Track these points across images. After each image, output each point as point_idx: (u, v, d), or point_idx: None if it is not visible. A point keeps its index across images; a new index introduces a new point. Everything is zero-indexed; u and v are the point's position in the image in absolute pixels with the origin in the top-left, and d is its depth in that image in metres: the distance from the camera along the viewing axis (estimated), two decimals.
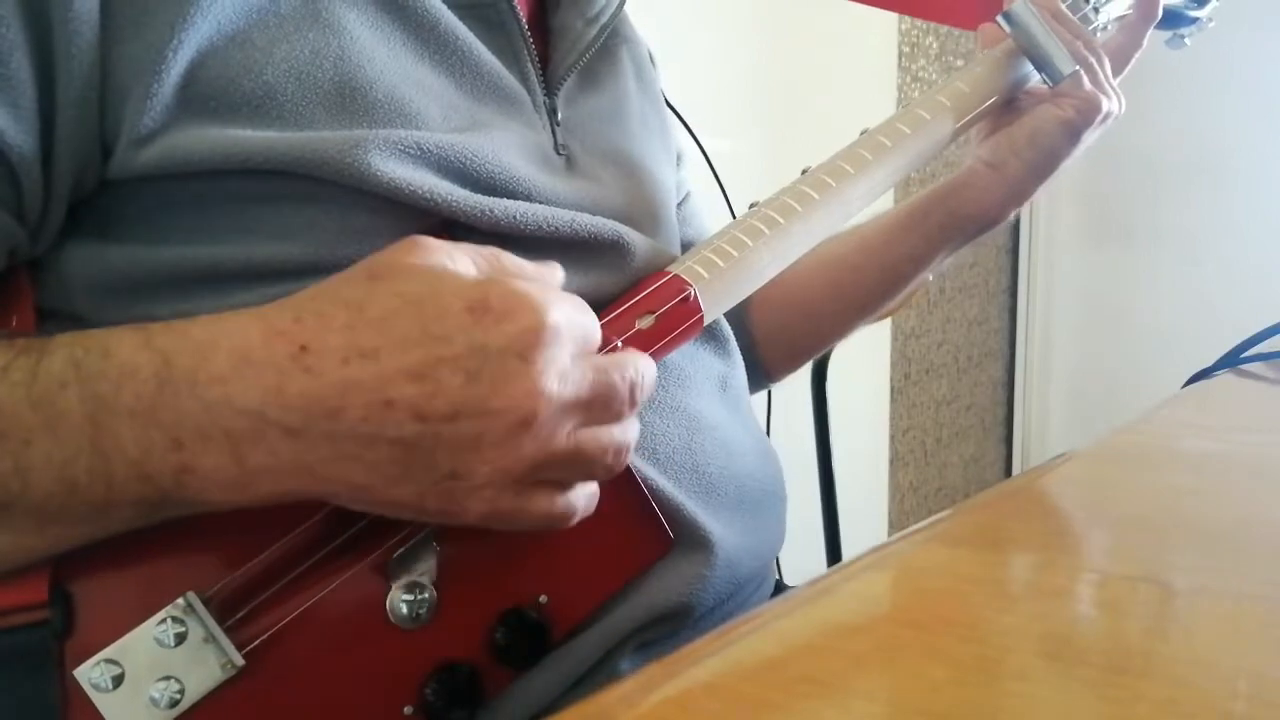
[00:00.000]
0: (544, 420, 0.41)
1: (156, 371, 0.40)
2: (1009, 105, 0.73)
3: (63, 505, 0.40)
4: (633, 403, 0.46)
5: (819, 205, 0.63)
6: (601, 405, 0.44)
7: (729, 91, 1.72)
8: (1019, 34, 0.70)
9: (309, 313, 0.41)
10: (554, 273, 0.48)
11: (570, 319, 0.43)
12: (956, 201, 0.74)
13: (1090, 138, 0.72)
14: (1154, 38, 0.80)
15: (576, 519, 0.46)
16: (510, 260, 0.46)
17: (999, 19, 0.71)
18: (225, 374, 0.40)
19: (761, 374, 0.84)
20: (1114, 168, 2.55)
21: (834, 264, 0.80)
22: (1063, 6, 0.73)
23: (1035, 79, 0.72)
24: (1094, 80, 0.71)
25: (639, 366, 0.46)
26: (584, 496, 0.46)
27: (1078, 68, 0.70)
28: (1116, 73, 0.75)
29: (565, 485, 0.45)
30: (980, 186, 0.73)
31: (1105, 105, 0.71)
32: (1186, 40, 0.88)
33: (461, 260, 0.44)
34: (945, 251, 0.77)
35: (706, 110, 1.62)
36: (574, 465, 0.44)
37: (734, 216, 0.64)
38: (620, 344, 0.52)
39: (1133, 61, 0.77)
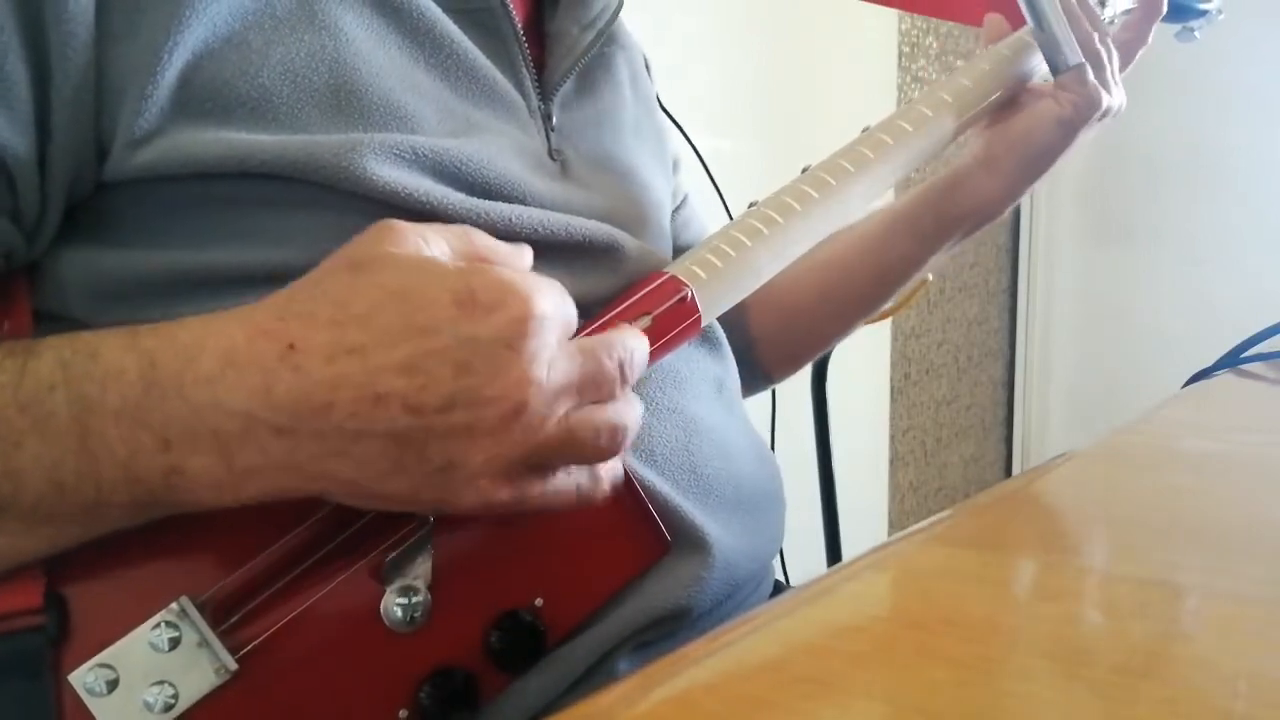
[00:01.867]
0: (535, 407, 0.41)
1: (143, 373, 0.40)
2: (1009, 102, 0.73)
3: (53, 507, 0.40)
4: (624, 380, 0.45)
5: (819, 204, 0.63)
6: (593, 387, 0.44)
7: (729, 91, 1.72)
8: (1034, 17, 0.69)
9: (294, 311, 0.41)
10: (524, 254, 0.48)
11: (555, 305, 0.43)
12: (949, 201, 0.74)
13: (1088, 134, 0.72)
14: (1163, 31, 0.80)
15: (576, 501, 0.46)
16: (481, 239, 0.46)
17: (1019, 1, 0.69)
18: (212, 375, 0.40)
19: (761, 375, 0.84)
20: (1114, 168, 2.55)
21: (828, 266, 0.80)
22: None
23: (1039, 75, 0.72)
24: (1099, 75, 0.70)
25: (627, 344, 0.46)
26: (583, 478, 0.46)
27: (1083, 61, 0.69)
28: (1121, 68, 0.74)
29: (562, 470, 0.45)
30: (973, 185, 0.73)
31: (1105, 102, 0.70)
32: (1196, 33, 0.87)
33: (436, 243, 0.44)
34: (941, 250, 0.77)
35: (706, 110, 1.64)
36: (569, 449, 0.44)
37: (730, 218, 0.64)
38: None
39: (1137, 57, 0.76)
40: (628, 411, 0.46)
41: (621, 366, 0.45)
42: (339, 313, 0.41)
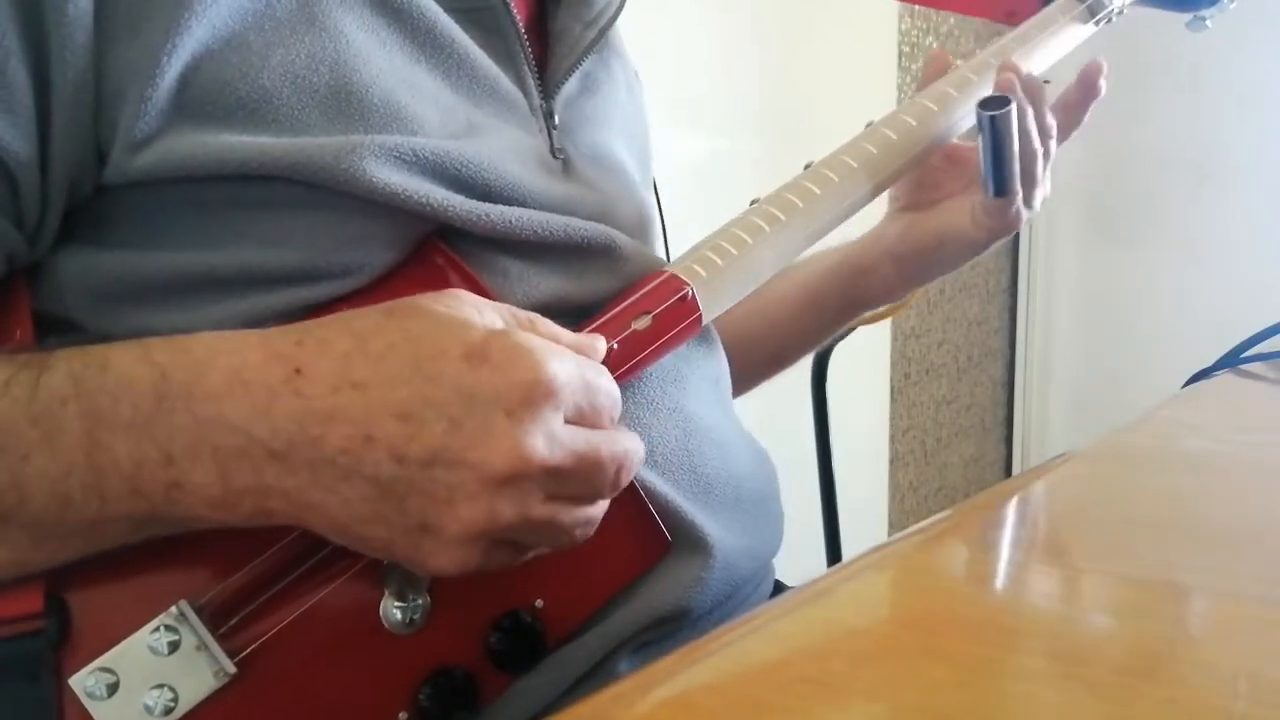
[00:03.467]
0: (521, 482, 0.40)
1: (154, 385, 0.40)
2: (934, 189, 0.73)
3: (57, 520, 0.40)
4: (614, 485, 0.44)
5: (822, 201, 0.62)
6: (582, 479, 0.43)
7: (729, 91, 1.72)
8: (995, 136, 0.65)
9: (313, 337, 0.42)
10: (595, 343, 0.47)
11: (574, 381, 0.42)
12: (855, 286, 0.77)
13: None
14: (1172, 23, 0.79)
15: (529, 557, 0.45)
16: (546, 325, 0.45)
17: (978, 110, 0.65)
18: (219, 391, 0.40)
19: None
20: (1114, 168, 2.55)
21: (748, 316, 0.80)
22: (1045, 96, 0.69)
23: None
24: (1028, 202, 0.69)
25: (629, 447, 0.45)
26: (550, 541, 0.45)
27: (1018, 192, 0.67)
28: (1066, 133, 0.73)
29: (530, 547, 0.44)
30: (877, 277, 0.76)
31: (1020, 225, 0.70)
32: (1208, 22, 0.87)
33: (489, 315, 0.43)
34: (836, 326, 0.81)
35: (706, 110, 1.64)
36: (544, 534, 0.43)
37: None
38: (615, 345, 0.52)
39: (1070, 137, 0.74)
40: (602, 508, 0.46)
41: (619, 471, 0.44)
42: (355, 346, 0.41)
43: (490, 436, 0.40)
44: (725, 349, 0.69)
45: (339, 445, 0.39)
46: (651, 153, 0.76)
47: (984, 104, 0.65)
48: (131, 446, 0.40)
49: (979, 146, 0.66)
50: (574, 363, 0.43)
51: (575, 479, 0.43)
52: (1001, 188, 0.67)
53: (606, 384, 0.45)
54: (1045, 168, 0.70)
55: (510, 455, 0.40)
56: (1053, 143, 0.70)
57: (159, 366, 0.41)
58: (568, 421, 0.42)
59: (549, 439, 0.41)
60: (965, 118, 0.70)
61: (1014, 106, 0.64)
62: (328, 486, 0.40)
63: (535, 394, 0.40)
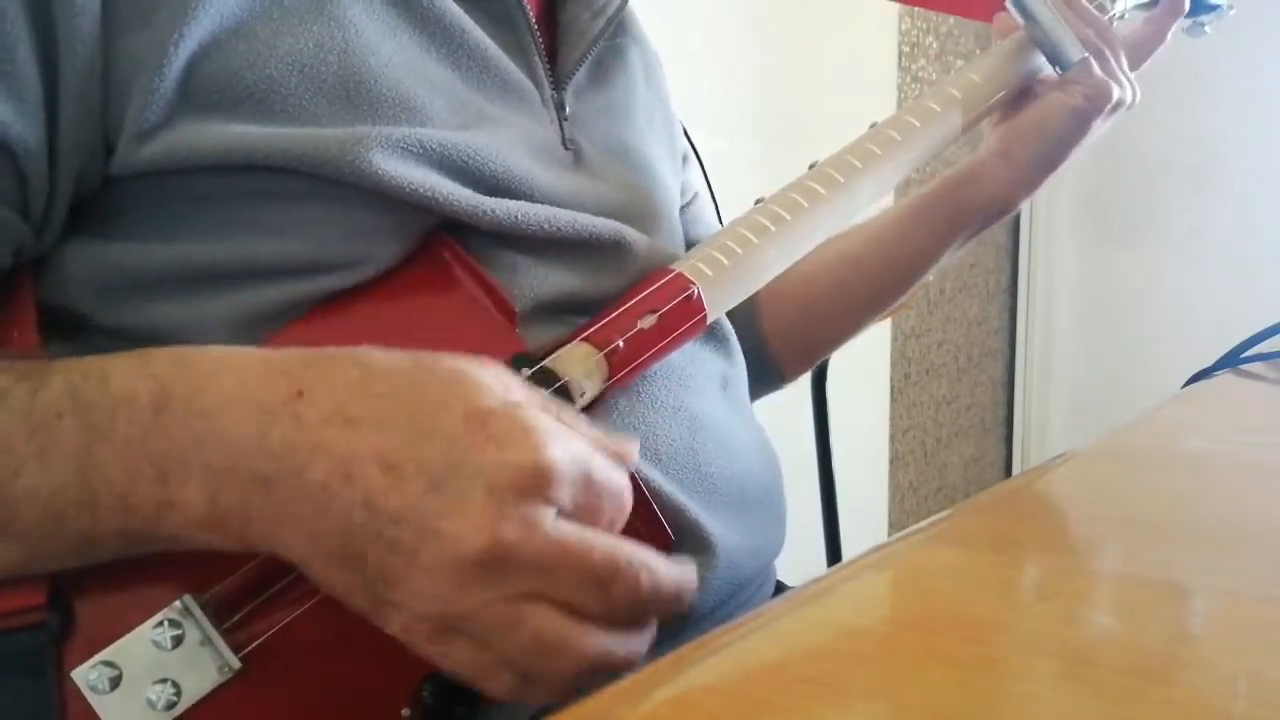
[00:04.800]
0: (484, 568, 0.37)
1: (153, 399, 0.40)
2: (1021, 94, 0.72)
3: (49, 534, 0.40)
4: (619, 593, 0.39)
5: (826, 201, 0.62)
6: (571, 581, 0.38)
7: (729, 91, 1.72)
8: (1028, 21, 0.69)
9: (320, 362, 0.41)
10: (629, 447, 0.43)
11: (573, 473, 0.39)
12: (965, 193, 0.73)
13: (1102, 126, 0.71)
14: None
15: (503, 695, 0.40)
16: (571, 416, 0.42)
17: (1008, 4, 0.70)
18: (217, 407, 0.39)
19: (775, 374, 0.84)
20: (1114, 168, 2.55)
21: (841, 261, 0.79)
22: None
23: (1048, 69, 0.72)
24: (1104, 68, 0.70)
25: (631, 557, 0.39)
26: (525, 681, 0.39)
27: (1087, 55, 0.69)
28: (1136, 65, 0.74)
29: (495, 652, 0.39)
30: (990, 176, 0.72)
31: (1116, 93, 0.70)
32: (1206, 28, 0.87)
33: (514, 390, 0.41)
34: (954, 244, 0.76)
35: (707, 110, 1.63)
36: (508, 638, 0.38)
37: (721, 222, 0.64)
38: (622, 343, 0.52)
39: (1154, 55, 0.76)
40: (595, 643, 0.39)
41: (615, 576, 0.39)
42: (361, 380, 0.40)
43: (462, 510, 0.37)
44: (838, 283, 0.71)
45: (319, 478, 0.38)
46: (680, 134, 0.76)
47: None
48: (127, 462, 0.39)
49: (1029, 35, 0.70)
50: (580, 454, 0.40)
51: (561, 579, 0.38)
52: (1062, 60, 0.69)
53: (615, 485, 0.41)
54: (1106, 39, 0.71)
55: (477, 534, 0.37)
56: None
57: (158, 379, 0.40)
58: (563, 516, 0.39)
59: (526, 526, 0.37)
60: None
61: None
62: (301, 519, 0.39)
63: (524, 477, 0.37)
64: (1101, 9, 0.76)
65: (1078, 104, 0.69)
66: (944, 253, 0.76)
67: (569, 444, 0.39)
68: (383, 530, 0.38)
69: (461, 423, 0.38)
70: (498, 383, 0.41)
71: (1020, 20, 0.70)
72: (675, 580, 0.42)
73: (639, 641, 0.41)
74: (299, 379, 0.40)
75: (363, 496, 0.38)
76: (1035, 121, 0.70)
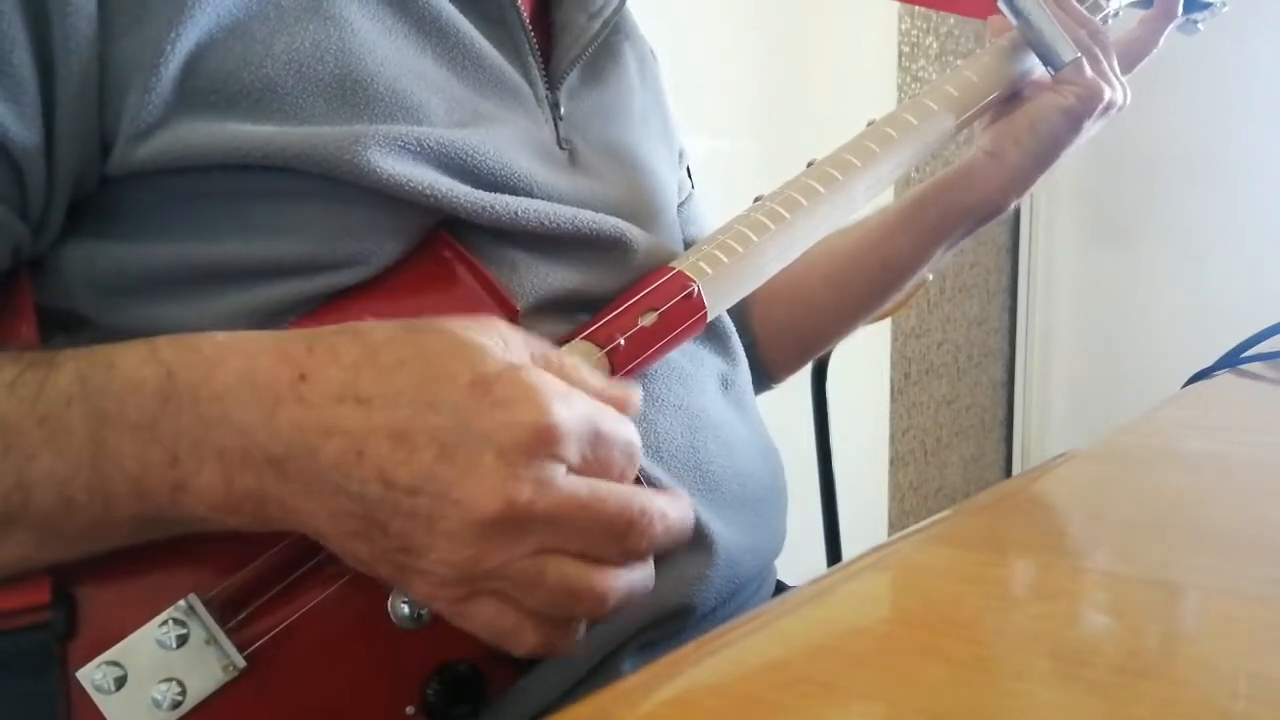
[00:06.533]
0: (502, 528, 0.38)
1: (160, 386, 0.40)
2: (1013, 95, 0.73)
3: (62, 521, 0.40)
4: (637, 542, 0.40)
5: (824, 199, 0.63)
6: (588, 532, 0.40)
7: (729, 91, 1.72)
8: (1020, 20, 0.69)
9: (324, 344, 0.41)
10: (629, 394, 0.44)
11: (581, 428, 0.39)
12: (957, 192, 0.74)
13: (1093, 128, 0.71)
14: None
15: (529, 651, 0.41)
16: (575, 370, 0.43)
17: (1000, 4, 0.70)
18: (226, 392, 0.40)
19: (763, 374, 0.84)
20: (1114, 167, 2.55)
21: (834, 259, 0.79)
22: None
23: (1041, 69, 0.72)
24: (1096, 68, 0.70)
25: (646, 505, 0.40)
26: (540, 632, 0.41)
27: (1079, 55, 0.69)
28: (1128, 68, 0.74)
29: (523, 606, 0.40)
30: (981, 176, 0.72)
31: (1107, 94, 0.70)
32: (1200, 25, 0.87)
33: (515, 348, 0.42)
34: (946, 244, 0.76)
35: (706, 110, 1.63)
36: (532, 591, 0.40)
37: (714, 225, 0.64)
38: (623, 341, 0.52)
39: (1146, 58, 0.77)
40: (622, 580, 0.41)
41: (628, 526, 0.40)
42: (365, 357, 0.40)
43: (475, 475, 0.38)
44: (831, 281, 0.72)
45: (332, 459, 0.39)
46: (676, 129, 0.76)
47: None
48: (137, 448, 0.40)
49: (1021, 34, 0.70)
50: (586, 409, 0.40)
51: (578, 532, 0.40)
52: (1054, 60, 0.69)
53: (624, 436, 0.42)
54: (1098, 40, 0.71)
55: (491, 497, 0.38)
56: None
57: (166, 365, 0.40)
58: (574, 471, 0.40)
59: (538, 485, 0.38)
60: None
61: None
62: (319, 498, 0.39)
63: (531, 437, 0.38)
64: (1094, 8, 0.76)
65: (1069, 104, 0.69)
66: (935, 252, 0.76)
67: (572, 401, 0.40)
68: (400, 502, 0.38)
69: (468, 390, 0.39)
70: (499, 344, 0.41)
71: (1012, 20, 0.70)
72: (683, 519, 0.43)
73: (651, 568, 0.43)
74: (301, 363, 0.40)
75: (376, 472, 0.38)
76: (1027, 121, 0.71)
